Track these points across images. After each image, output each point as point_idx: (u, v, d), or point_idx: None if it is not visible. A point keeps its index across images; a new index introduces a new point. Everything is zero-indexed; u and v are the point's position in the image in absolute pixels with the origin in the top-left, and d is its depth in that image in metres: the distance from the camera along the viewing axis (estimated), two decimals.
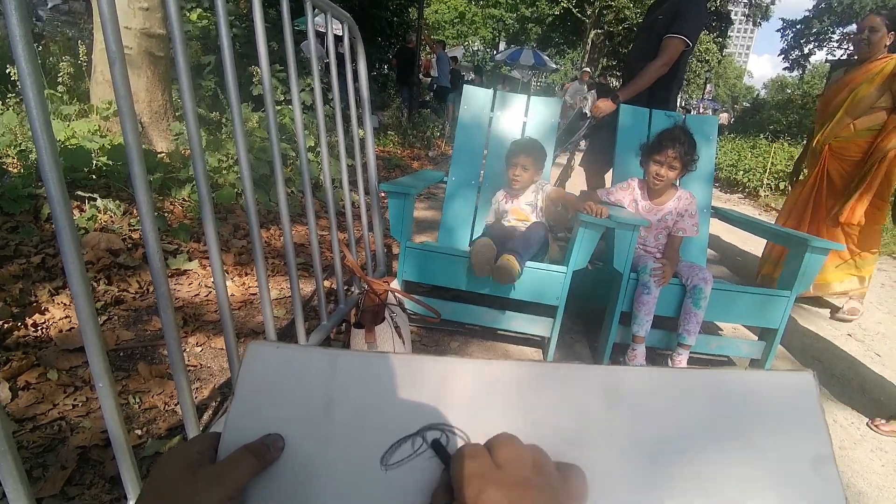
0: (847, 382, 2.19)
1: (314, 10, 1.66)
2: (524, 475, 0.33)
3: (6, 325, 1.56)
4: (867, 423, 1.88)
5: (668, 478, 0.39)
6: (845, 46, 25.86)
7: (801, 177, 3.13)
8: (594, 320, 2.25)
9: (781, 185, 7.10)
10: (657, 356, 2.08)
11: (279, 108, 4.02)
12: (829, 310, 3.00)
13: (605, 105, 2.69)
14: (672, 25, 2.58)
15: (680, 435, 0.40)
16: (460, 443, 0.40)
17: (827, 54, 28.34)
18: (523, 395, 0.42)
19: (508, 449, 0.35)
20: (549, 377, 0.42)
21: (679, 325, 1.94)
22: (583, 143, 3.56)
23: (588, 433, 0.40)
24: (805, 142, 3.27)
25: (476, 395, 0.42)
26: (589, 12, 23.23)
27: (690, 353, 2.10)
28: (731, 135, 11.70)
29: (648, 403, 0.41)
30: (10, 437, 0.72)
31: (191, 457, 0.38)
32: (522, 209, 2.24)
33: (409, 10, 13.81)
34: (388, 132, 7.47)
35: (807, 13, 28.95)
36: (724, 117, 16.49)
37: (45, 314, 1.68)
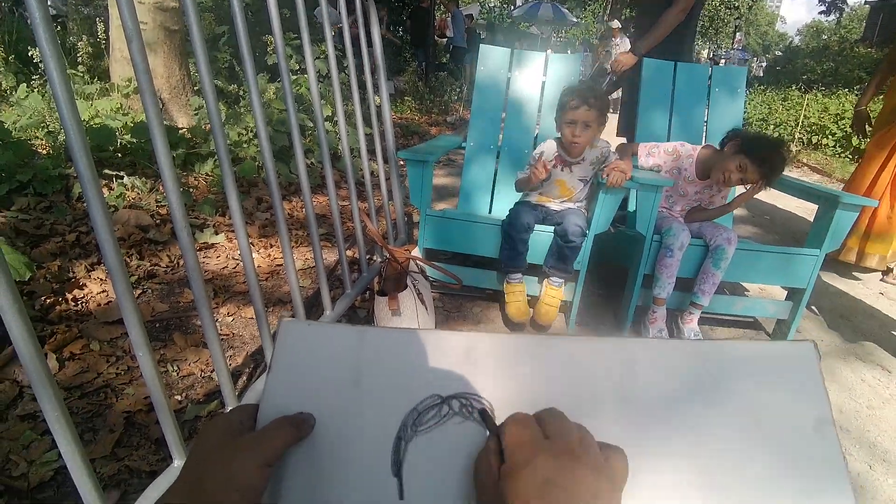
0: (877, 341, 2.16)
1: None
2: (572, 448, 0.34)
3: (48, 301, 1.64)
4: None
5: (677, 444, 0.41)
6: None
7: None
8: (617, 283, 2.25)
9: (814, 140, 6.82)
10: (672, 317, 2.06)
11: (295, 77, 4.00)
12: (860, 270, 2.92)
13: (626, 58, 2.61)
14: None
15: (688, 404, 0.43)
16: (484, 411, 0.42)
17: None
18: (542, 368, 0.44)
19: (557, 422, 0.37)
20: (566, 350, 0.45)
21: (695, 284, 1.92)
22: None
23: (601, 404, 0.43)
24: (862, 92, 3.01)
25: (497, 366, 0.45)
26: None
27: (715, 314, 2.09)
28: (762, 86, 11.20)
29: (660, 374, 0.44)
30: (63, 403, 0.78)
31: (232, 425, 0.40)
32: (572, 185, 1.97)
33: None
34: (405, 98, 7.37)
35: None
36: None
37: (83, 289, 1.76)
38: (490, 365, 0.44)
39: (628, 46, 2.84)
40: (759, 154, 1.83)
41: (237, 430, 0.40)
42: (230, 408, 1.17)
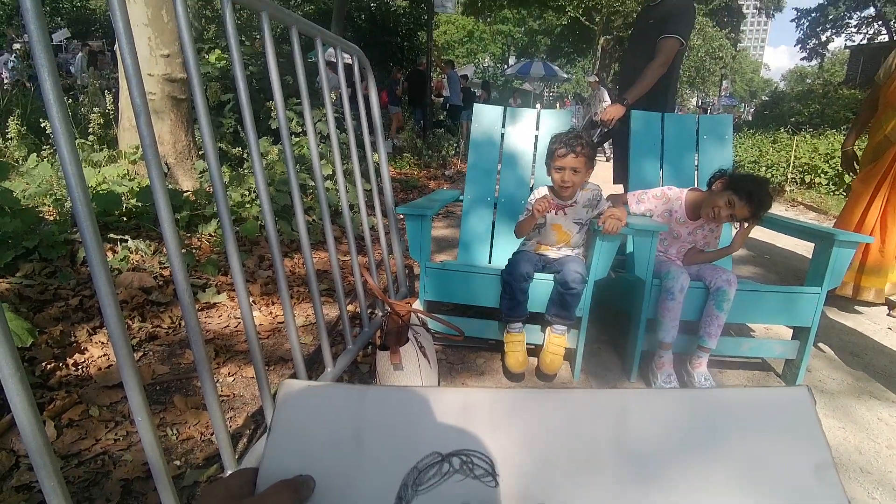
0: (890, 378, 2.12)
1: (324, 44, 1.73)
2: None
3: (49, 367, 1.63)
4: None
5: (677, 495, 0.41)
6: (864, 31, 25.27)
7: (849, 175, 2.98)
8: (620, 329, 2.23)
9: (807, 179, 6.94)
10: (679, 361, 2.03)
11: (297, 139, 4.14)
12: (866, 306, 2.90)
13: (615, 110, 2.72)
14: (666, 27, 2.68)
15: (686, 454, 0.43)
16: (484, 469, 0.42)
17: (846, 40, 27.68)
18: (540, 422, 0.45)
19: None
20: (563, 403, 0.46)
21: (700, 327, 1.91)
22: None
23: (599, 456, 0.43)
24: (847, 132, 3.12)
25: (495, 421, 0.45)
26: (597, 19, 23.29)
27: (722, 356, 2.06)
28: (751, 130, 11.49)
29: (655, 424, 0.44)
30: (59, 474, 0.77)
31: (231, 490, 0.40)
32: (568, 229, 2.03)
33: (419, 33, 14.10)
34: (404, 154, 7.57)
35: (821, 0, 28.44)
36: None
37: (84, 353, 1.76)
38: (488, 420, 0.45)
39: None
40: (746, 189, 1.90)
41: (236, 495, 0.40)
42: (229, 472, 1.14)
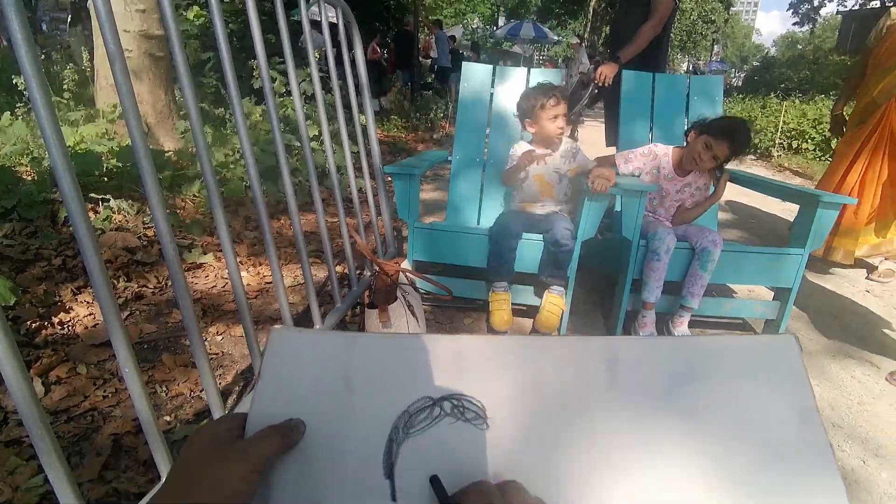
0: (865, 338, 2.18)
1: (308, 1, 1.66)
2: None
3: (34, 325, 1.62)
4: (886, 378, 1.88)
5: (664, 438, 0.42)
6: None
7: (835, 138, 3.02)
8: (606, 289, 2.26)
9: (794, 144, 6.96)
10: (662, 321, 2.08)
11: (280, 99, 4.03)
12: (845, 269, 2.97)
13: (609, 69, 2.68)
14: None
15: (673, 399, 0.44)
16: (475, 412, 0.43)
17: (838, 6, 27.32)
18: (531, 368, 0.45)
19: (520, 495, 0.36)
20: (555, 350, 0.46)
21: (683, 286, 1.94)
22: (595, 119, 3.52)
23: (589, 402, 0.44)
24: (837, 97, 3.14)
25: (487, 368, 0.45)
26: None
27: (704, 316, 2.11)
28: (741, 95, 11.44)
29: (643, 372, 0.45)
30: (49, 427, 0.77)
31: (220, 434, 0.40)
32: (549, 179, 2.08)
33: None
34: (392, 116, 7.44)
35: None
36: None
37: (69, 312, 1.74)
38: (480, 366, 0.45)
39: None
40: (719, 127, 1.98)
41: (224, 439, 0.39)
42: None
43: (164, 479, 0.39)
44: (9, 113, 3.21)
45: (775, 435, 0.42)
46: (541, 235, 1.92)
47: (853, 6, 24.14)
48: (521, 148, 2.10)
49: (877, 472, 1.43)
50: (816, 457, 0.41)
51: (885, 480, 1.40)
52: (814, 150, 6.76)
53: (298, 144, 3.66)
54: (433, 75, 11.31)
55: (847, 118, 3.01)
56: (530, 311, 2.14)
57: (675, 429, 0.42)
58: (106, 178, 2.65)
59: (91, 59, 3.94)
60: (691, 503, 0.40)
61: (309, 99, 4.13)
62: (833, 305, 2.51)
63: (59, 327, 1.67)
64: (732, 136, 1.97)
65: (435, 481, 0.39)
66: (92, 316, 1.74)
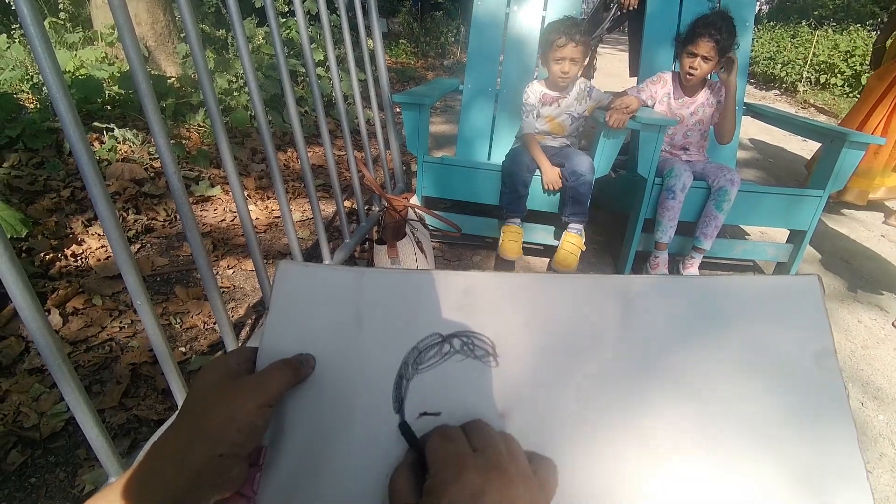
0: (875, 283, 2.17)
1: None
2: (501, 462, 0.33)
3: (48, 257, 1.64)
4: (893, 323, 1.88)
5: (677, 380, 0.41)
6: None
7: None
8: (616, 230, 2.23)
9: (822, 79, 6.62)
10: (674, 262, 2.07)
11: (284, 20, 3.84)
12: (860, 211, 2.90)
13: None
14: None
15: (689, 339, 0.42)
16: (485, 349, 0.42)
17: None
18: (542, 305, 0.44)
19: (486, 435, 0.36)
20: (567, 288, 0.45)
21: (697, 227, 1.91)
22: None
23: (602, 341, 0.42)
24: (882, 29, 2.95)
25: (497, 305, 0.44)
26: None
27: (715, 258, 2.09)
28: (771, 23, 10.75)
29: (658, 310, 0.43)
30: (66, 357, 0.78)
31: (231, 367, 0.40)
32: (561, 119, 2.02)
33: None
34: (400, 41, 7.10)
35: None
36: None
37: (81, 245, 1.76)
38: (490, 303, 0.44)
39: None
40: (689, 29, 1.93)
41: (235, 372, 0.39)
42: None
43: (177, 412, 0.39)
44: (5, 36, 3.08)
45: (791, 376, 0.41)
46: (557, 169, 1.88)
47: None
48: (533, 91, 2.01)
49: (874, 413, 1.46)
50: (831, 399, 0.41)
51: (882, 422, 1.43)
52: (842, 85, 6.44)
53: (303, 70, 3.53)
54: None
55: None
56: (546, 251, 2.13)
57: (691, 370, 0.41)
58: (109, 106, 2.58)
59: None
60: (703, 444, 0.39)
61: (314, 20, 3.93)
62: (846, 249, 2.47)
63: (73, 259, 1.68)
64: (703, 25, 1.87)
65: (403, 427, 0.39)
66: (104, 248, 1.75)
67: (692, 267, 1.95)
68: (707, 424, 0.40)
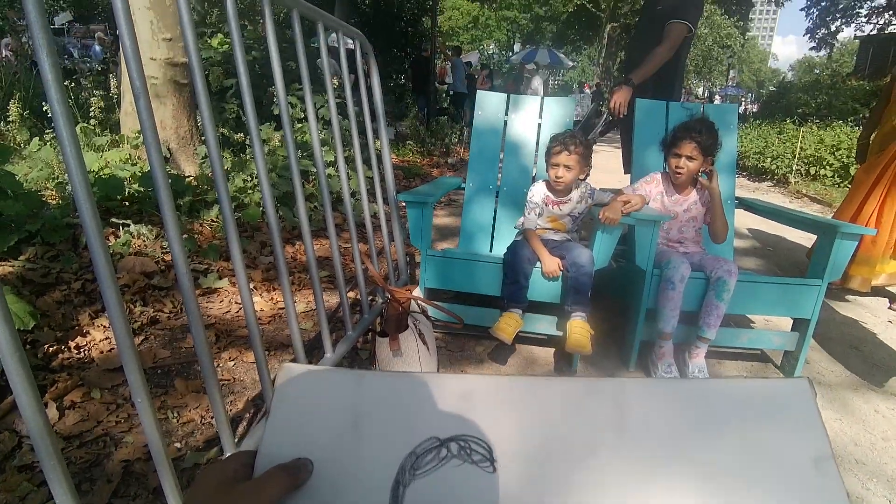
0: (889, 370, 2.12)
1: (326, 29, 1.71)
2: None
3: (51, 349, 1.65)
4: None
5: (674, 486, 0.41)
6: (874, 20, 24.85)
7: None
8: (620, 319, 2.23)
9: (812, 171, 6.89)
10: (678, 351, 2.04)
11: (299, 125, 4.12)
12: (865, 297, 2.90)
13: (622, 95, 2.68)
14: (675, 12, 2.68)
15: (684, 443, 0.43)
16: (482, 454, 0.42)
17: (855, 30, 27.21)
18: (539, 409, 0.45)
19: None
20: (563, 391, 0.46)
21: (700, 317, 1.91)
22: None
23: (597, 444, 0.43)
24: (864, 125, 3.15)
25: (495, 408, 0.45)
26: (603, 6, 23.02)
27: (721, 347, 2.07)
28: (757, 121, 11.39)
29: (655, 413, 0.44)
30: (59, 452, 0.78)
31: (228, 473, 0.40)
32: (563, 220, 2.13)
33: (423, 19, 13.94)
34: (407, 142, 7.54)
35: None
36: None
37: (86, 336, 1.77)
38: (488, 407, 0.45)
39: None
40: (671, 134, 2.10)
41: (232, 478, 0.39)
42: (228, 454, 1.15)
43: None
44: (37, 139, 3.32)
45: (789, 483, 0.40)
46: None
47: (871, 31, 24.05)
48: (538, 191, 2.12)
49: None
50: None
51: None
52: (832, 176, 6.67)
53: (314, 170, 3.72)
54: (448, 100, 11.48)
55: None
56: (549, 342, 2.12)
57: (685, 475, 0.41)
58: (127, 203, 2.71)
59: (118, 86, 4.08)
60: None
61: (326, 125, 4.22)
62: (854, 336, 2.44)
63: (76, 351, 1.69)
64: (684, 129, 2.04)
65: None
66: (108, 340, 1.76)
67: (698, 357, 1.93)
68: None
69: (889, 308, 2.80)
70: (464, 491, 0.41)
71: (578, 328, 1.89)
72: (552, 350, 2.13)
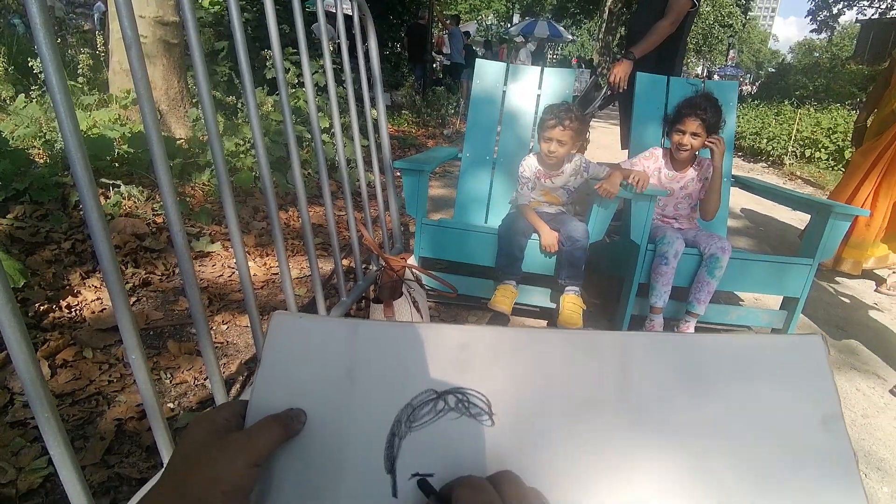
0: (873, 351, 2.16)
1: None
2: None
3: (42, 308, 1.63)
4: (890, 390, 1.86)
5: (679, 440, 0.40)
6: (877, 5, 24.61)
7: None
8: (611, 293, 2.25)
9: (807, 153, 6.90)
10: (668, 327, 2.07)
11: (293, 91, 4.04)
12: (853, 280, 2.94)
13: (622, 68, 2.65)
14: None
15: (691, 398, 0.41)
16: (480, 408, 0.41)
17: (857, 14, 26.95)
18: (539, 362, 0.43)
19: (517, 488, 0.35)
20: (565, 344, 0.44)
21: (690, 293, 1.93)
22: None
23: (598, 399, 0.41)
24: (861, 108, 3.13)
25: (493, 361, 0.43)
26: None
27: (710, 323, 2.09)
28: (756, 101, 11.34)
29: (660, 368, 0.42)
30: (55, 409, 0.77)
31: (218, 423, 0.38)
32: (556, 193, 2.10)
33: None
34: (403, 111, 7.43)
35: None
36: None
37: (77, 297, 1.76)
38: (486, 359, 0.43)
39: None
40: (676, 110, 2.05)
41: (223, 428, 0.38)
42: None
43: (163, 469, 0.38)
44: (23, 95, 3.22)
45: (796, 441, 0.40)
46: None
47: (872, 15, 23.82)
48: (529, 165, 2.08)
49: (878, 485, 1.42)
50: (839, 466, 0.39)
51: (887, 494, 1.39)
52: (826, 159, 6.69)
53: (309, 136, 3.67)
54: (445, 71, 11.27)
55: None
56: (542, 313, 2.14)
57: (689, 431, 0.40)
58: (117, 164, 2.66)
59: (106, 44, 3.96)
60: None
61: (321, 91, 4.13)
62: (840, 317, 2.48)
63: (67, 311, 1.68)
64: (689, 106, 2.01)
65: (422, 484, 0.38)
66: (99, 301, 1.75)
67: (687, 331, 1.95)
68: (710, 490, 0.39)
69: (876, 291, 2.85)
70: (461, 444, 0.40)
71: (571, 303, 1.91)
72: (545, 322, 2.15)
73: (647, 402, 0.41)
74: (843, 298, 2.71)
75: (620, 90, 2.70)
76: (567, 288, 1.93)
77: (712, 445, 0.40)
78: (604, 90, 2.89)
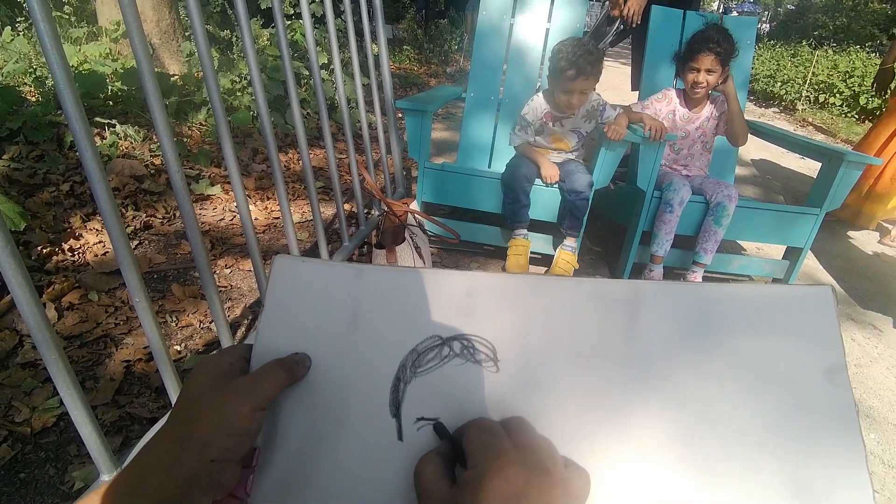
0: (869, 301, 2.18)
1: None
2: (544, 463, 0.33)
3: (45, 251, 1.63)
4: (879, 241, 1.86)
5: (682, 392, 0.40)
6: None
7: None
8: (613, 241, 2.24)
9: (821, 98, 6.68)
10: (673, 276, 2.08)
11: (289, 23, 3.86)
12: (857, 231, 2.92)
13: (637, 2, 2.51)
14: None
15: (696, 348, 0.41)
16: (486, 353, 0.41)
17: None
18: (545, 309, 0.42)
19: (527, 434, 0.35)
20: (569, 290, 0.43)
21: (697, 242, 1.92)
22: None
23: (605, 349, 0.41)
24: (889, 48, 2.96)
25: (499, 307, 0.42)
26: None
27: (711, 272, 2.10)
28: (772, 41, 10.86)
29: (664, 319, 0.42)
30: (62, 350, 0.78)
31: (224, 367, 0.38)
32: (567, 139, 2.00)
33: None
34: (404, 47, 7.14)
35: None
36: None
37: (79, 239, 1.75)
38: (491, 305, 0.43)
39: None
40: (688, 46, 1.97)
41: (228, 372, 0.38)
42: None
43: (168, 413, 0.38)
44: (9, 28, 3.08)
45: (801, 391, 0.40)
46: (555, 183, 1.89)
47: None
48: (534, 108, 1.96)
49: (866, 433, 1.47)
50: (841, 416, 0.39)
51: (873, 440, 1.44)
52: (841, 105, 6.49)
53: (307, 73, 3.54)
54: (448, 2, 10.71)
55: None
56: (544, 260, 2.14)
57: (695, 380, 0.40)
58: (111, 102, 2.58)
59: None
60: (707, 457, 0.39)
61: (319, 22, 3.95)
62: (840, 268, 2.49)
63: (70, 254, 1.68)
64: (701, 41, 1.91)
65: (439, 427, 0.38)
66: (102, 244, 1.75)
67: (695, 281, 1.96)
68: (710, 439, 0.39)
69: (879, 242, 2.83)
70: (466, 390, 0.40)
71: (564, 261, 1.91)
72: (545, 270, 2.16)
73: (653, 352, 0.41)
74: (845, 249, 2.70)
75: (634, 24, 2.57)
76: (565, 243, 1.93)
77: (718, 393, 0.40)
78: (616, 25, 2.75)
